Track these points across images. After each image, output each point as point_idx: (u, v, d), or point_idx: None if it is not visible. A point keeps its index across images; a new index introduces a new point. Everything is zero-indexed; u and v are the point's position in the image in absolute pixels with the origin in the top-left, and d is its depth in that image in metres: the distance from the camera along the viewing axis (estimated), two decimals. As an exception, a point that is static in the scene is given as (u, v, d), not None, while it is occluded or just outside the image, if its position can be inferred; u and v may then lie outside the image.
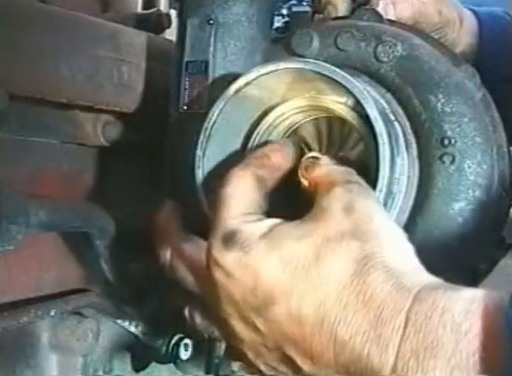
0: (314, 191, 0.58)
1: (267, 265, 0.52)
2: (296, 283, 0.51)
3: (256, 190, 0.58)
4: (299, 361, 0.52)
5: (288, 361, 0.53)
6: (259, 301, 0.53)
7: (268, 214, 0.58)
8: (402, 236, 0.54)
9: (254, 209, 0.57)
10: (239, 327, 0.55)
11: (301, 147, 0.67)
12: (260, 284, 0.52)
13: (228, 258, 0.54)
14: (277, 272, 0.52)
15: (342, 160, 0.66)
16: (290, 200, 0.62)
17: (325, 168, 0.59)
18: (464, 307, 0.46)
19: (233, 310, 0.55)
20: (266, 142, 0.68)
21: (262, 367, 0.57)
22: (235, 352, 0.59)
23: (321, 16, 0.78)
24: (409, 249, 0.54)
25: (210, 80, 0.71)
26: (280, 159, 0.62)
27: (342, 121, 0.67)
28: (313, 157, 0.65)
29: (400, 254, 0.52)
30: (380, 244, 0.52)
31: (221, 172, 0.66)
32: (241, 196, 0.57)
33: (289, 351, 0.52)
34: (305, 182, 0.61)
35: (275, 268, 0.52)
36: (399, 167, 0.61)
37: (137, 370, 0.91)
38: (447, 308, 0.46)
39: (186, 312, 0.66)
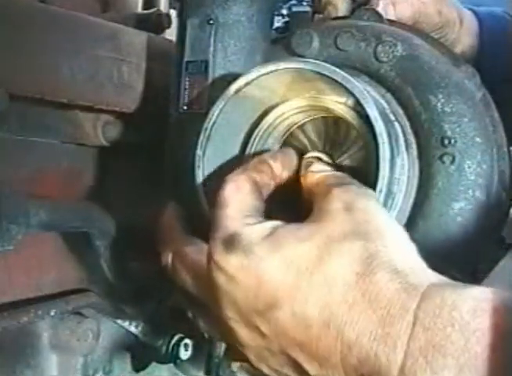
0: (311, 197, 0.58)
1: (270, 268, 0.52)
2: (300, 285, 0.50)
3: (252, 194, 0.58)
4: (305, 365, 0.51)
5: (293, 365, 0.53)
6: (263, 305, 0.52)
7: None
8: (404, 235, 0.54)
9: (251, 212, 0.57)
10: (241, 331, 0.55)
11: (302, 153, 0.67)
12: (263, 287, 0.52)
13: (230, 262, 0.53)
14: (280, 275, 0.51)
15: (342, 160, 0.66)
16: (290, 208, 0.62)
17: (318, 173, 0.60)
18: (473, 305, 0.46)
19: (236, 314, 0.54)
20: (267, 150, 0.68)
21: (266, 370, 0.56)
22: (238, 354, 0.58)
23: (321, 16, 0.78)
24: (412, 248, 0.53)
25: (210, 80, 0.70)
26: (280, 167, 0.62)
27: (342, 121, 0.67)
28: (314, 157, 0.65)
29: (405, 253, 0.52)
30: (383, 242, 0.51)
31: (221, 172, 0.66)
32: (238, 198, 0.57)
33: (294, 355, 0.52)
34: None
35: (278, 270, 0.51)
36: (399, 167, 0.61)
37: (137, 370, 0.91)
38: (455, 306, 0.46)
39: (190, 314, 0.66)
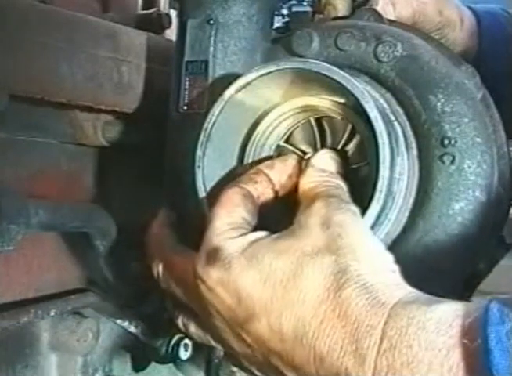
0: (300, 201, 0.59)
1: (246, 282, 0.53)
2: (275, 299, 0.52)
3: (241, 207, 0.59)
4: (285, 372, 0.53)
5: (276, 371, 0.54)
6: (242, 317, 0.54)
7: (268, 228, 0.58)
8: (381, 250, 0.55)
9: (239, 224, 0.58)
10: (230, 338, 0.57)
11: (304, 152, 0.67)
12: (241, 301, 0.54)
13: (210, 275, 0.55)
14: (257, 289, 0.53)
15: (341, 161, 0.66)
16: (292, 214, 0.62)
17: (312, 177, 0.60)
18: (439, 323, 0.46)
19: (223, 324, 0.56)
20: (267, 151, 0.68)
21: (257, 372, 0.59)
22: (232, 357, 0.60)
23: (321, 16, 0.78)
24: (389, 262, 0.54)
25: (210, 80, 0.70)
26: (277, 174, 0.63)
27: (342, 121, 0.67)
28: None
29: (377, 268, 0.52)
30: (356, 257, 0.52)
31: (221, 172, 0.66)
32: (225, 212, 0.58)
33: (275, 362, 0.54)
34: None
35: (255, 284, 0.53)
36: (399, 167, 0.61)
37: (137, 370, 0.91)
38: (421, 324, 0.46)
39: (180, 321, 0.66)
